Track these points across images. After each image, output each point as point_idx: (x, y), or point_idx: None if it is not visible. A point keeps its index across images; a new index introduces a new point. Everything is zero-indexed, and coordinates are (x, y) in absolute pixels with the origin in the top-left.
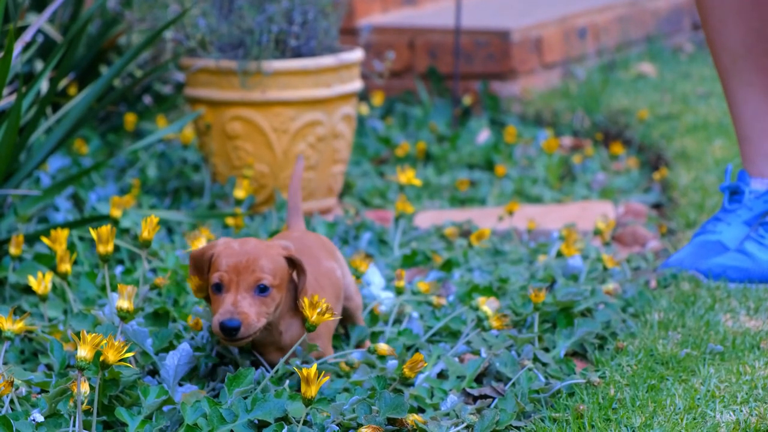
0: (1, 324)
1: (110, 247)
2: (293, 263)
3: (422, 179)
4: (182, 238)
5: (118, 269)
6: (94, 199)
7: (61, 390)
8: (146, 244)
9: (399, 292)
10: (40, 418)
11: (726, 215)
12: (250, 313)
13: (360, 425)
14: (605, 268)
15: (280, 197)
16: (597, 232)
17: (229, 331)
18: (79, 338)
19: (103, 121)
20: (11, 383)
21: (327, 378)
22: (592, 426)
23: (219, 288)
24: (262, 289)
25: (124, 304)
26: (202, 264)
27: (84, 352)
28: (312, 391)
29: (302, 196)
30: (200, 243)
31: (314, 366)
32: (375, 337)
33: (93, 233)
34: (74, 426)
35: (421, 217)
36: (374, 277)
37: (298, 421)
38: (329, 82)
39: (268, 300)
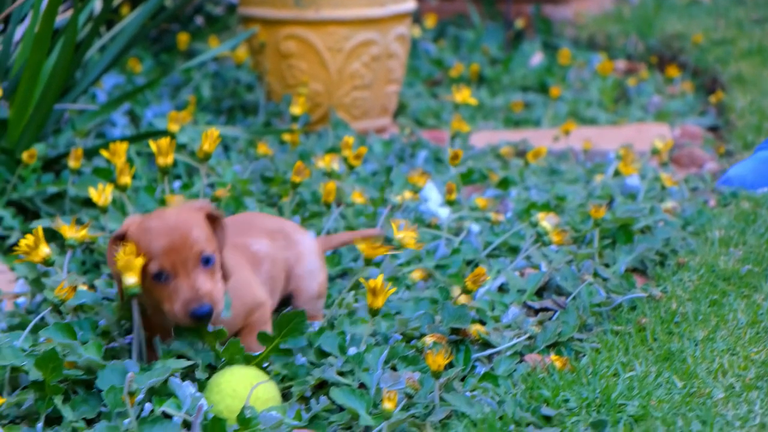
0: (64, 232)
1: (170, 159)
2: (212, 220)
3: (476, 100)
4: (238, 154)
5: (176, 184)
6: (150, 116)
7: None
8: (206, 157)
9: (451, 204)
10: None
11: None
12: (214, 291)
13: (423, 335)
14: (663, 188)
15: (334, 116)
16: (655, 152)
17: (202, 318)
18: (126, 268)
19: (156, 41)
20: (74, 289)
21: (394, 290)
22: (655, 339)
23: (162, 276)
24: (206, 260)
25: None
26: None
27: (132, 279)
28: (379, 302)
29: (356, 114)
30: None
31: (380, 276)
32: (430, 255)
33: (152, 145)
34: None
35: (475, 137)
36: (431, 193)
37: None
38: (383, 1)
39: (215, 269)
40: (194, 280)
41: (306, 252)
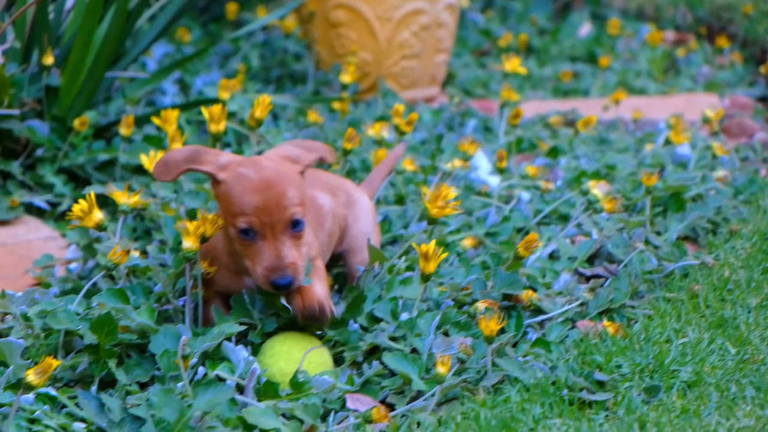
0: (117, 198)
1: (221, 126)
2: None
3: (525, 70)
4: (288, 122)
5: (226, 151)
6: (200, 84)
7: (181, 271)
8: (258, 124)
9: (501, 172)
10: (158, 288)
11: None
12: (298, 261)
13: (475, 301)
14: (714, 156)
15: (383, 85)
16: (705, 121)
17: (282, 287)
18: (184, 231)
19: (204, 11)
20: (127, 252)
21: (446, 254)
22: (708, 306)
23: (249, 233)
24: (295, 224)
25: None
26: (176, 171)
27: (189, 244)
28: (431, 267)
29: (405, 84)
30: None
31: (433, 241)
32: (480, 222)
33: (204, 112)
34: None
35: (524, 106)
36: (481, 161)
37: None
38: None
39: (302, 233)
40: (281, 246)
41: (363, 213)
